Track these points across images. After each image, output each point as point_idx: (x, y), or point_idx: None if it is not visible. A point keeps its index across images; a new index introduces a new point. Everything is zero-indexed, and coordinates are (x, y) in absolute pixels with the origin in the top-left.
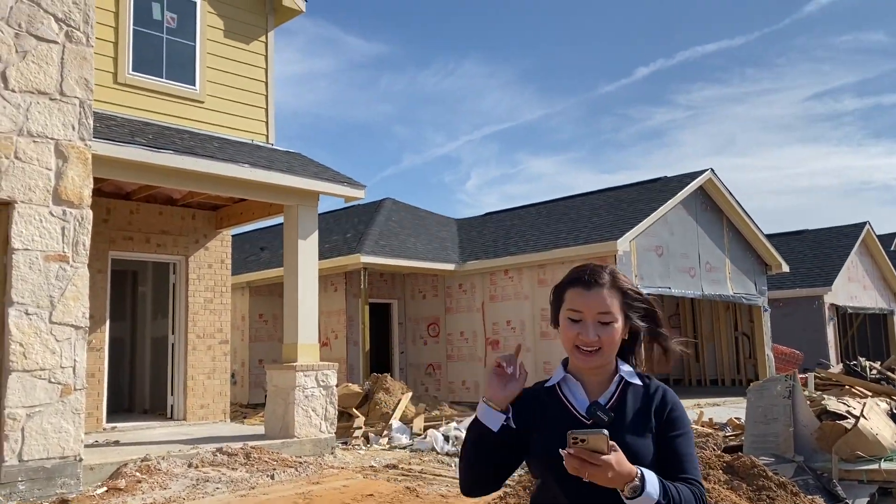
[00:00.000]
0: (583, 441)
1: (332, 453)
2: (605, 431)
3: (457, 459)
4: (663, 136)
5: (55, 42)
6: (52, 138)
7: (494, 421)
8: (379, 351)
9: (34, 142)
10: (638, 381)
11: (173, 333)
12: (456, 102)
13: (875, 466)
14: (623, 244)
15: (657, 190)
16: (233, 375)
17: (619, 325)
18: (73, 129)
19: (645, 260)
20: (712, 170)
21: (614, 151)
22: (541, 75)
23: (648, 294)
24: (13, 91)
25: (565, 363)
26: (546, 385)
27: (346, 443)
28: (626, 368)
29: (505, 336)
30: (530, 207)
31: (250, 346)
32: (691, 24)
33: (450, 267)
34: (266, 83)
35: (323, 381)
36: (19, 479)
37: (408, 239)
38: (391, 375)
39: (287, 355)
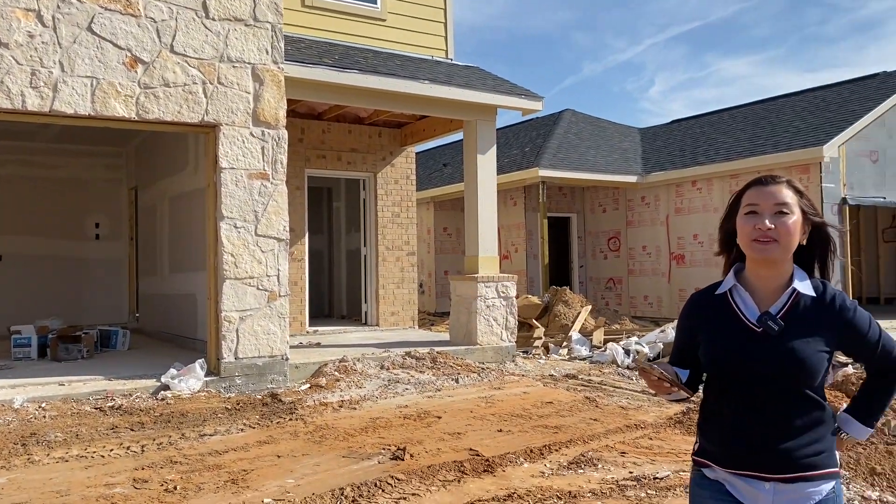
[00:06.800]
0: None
1: (513, 361)
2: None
3: (636, 373)
4: (880, 28)
5: None
6: (248, 63)
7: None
8: (558, 265)
9: (233, 67)
10: (811, 292)
11: (365, 246)
12: (639, 4)
13: None
14: (830, 150)
15: (873, 88)
16: (420, 285)
17: (796, 218)
18: (267, 52)
19: (856, 167)
20: None
21: (820, 47)
22: None
23: (858, 204)
24: (213, 20)
25: (737, 270)
26: (716, 292)
27: (526, 352)
28: (800, 280)
29: (691, 251)
30: (722, 113)
31: (436, 258)
32: None
33: (632, 179)
34: None
35: (503, 292)
36: (236, 373)
37: (588, 151)
38: (570, 289)
39: (469, 267)
